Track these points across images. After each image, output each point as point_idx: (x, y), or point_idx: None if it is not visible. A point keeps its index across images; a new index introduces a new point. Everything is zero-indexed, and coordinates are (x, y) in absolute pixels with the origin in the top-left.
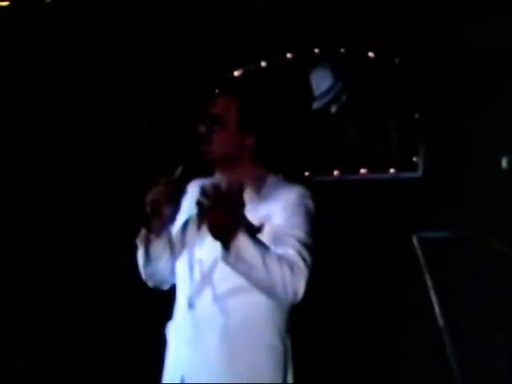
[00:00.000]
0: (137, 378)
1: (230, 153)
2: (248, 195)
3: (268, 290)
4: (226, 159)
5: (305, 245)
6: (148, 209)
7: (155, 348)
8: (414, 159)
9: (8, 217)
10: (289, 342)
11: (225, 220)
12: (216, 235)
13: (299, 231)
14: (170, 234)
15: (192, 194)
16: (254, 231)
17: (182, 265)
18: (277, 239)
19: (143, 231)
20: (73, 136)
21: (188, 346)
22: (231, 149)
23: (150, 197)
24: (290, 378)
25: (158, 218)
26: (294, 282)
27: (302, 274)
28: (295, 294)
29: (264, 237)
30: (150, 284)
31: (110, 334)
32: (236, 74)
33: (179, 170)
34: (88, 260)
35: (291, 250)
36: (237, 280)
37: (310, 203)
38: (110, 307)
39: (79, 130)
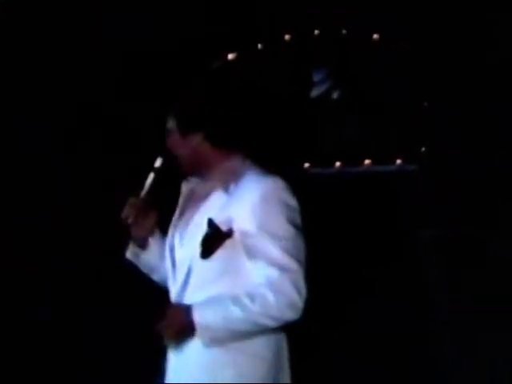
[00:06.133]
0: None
1: (187, 157)
2: (218, 195)
3: (262, 328)
4: (189, 165)
5: (282, 257)
6: (124, 224)
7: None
8: (422, 150)
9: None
10: (283, 349)
11: (181, 329)
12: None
13: (273, 243)
14: (162, 243)
15: (183, 194)
16: (222, 237)
17: (167, 265)
18: (251, 255)
19: (130, 245)
20: (64, 132)
21: (173, 353)
22: (185, 153)
23: (124, 213)
24: None
25: (138, 231)
26: (280, 306)
27: (286, 291)
28: (288, 312)
29: (236, 242)
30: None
31: (110, 335)
32: (230, 56)
33: (150, 178)
34: (87, 259)
35: (261, 279)
36: (216, 287)
37: (284, 195)
38: (109, 307)
39: (70, 126)
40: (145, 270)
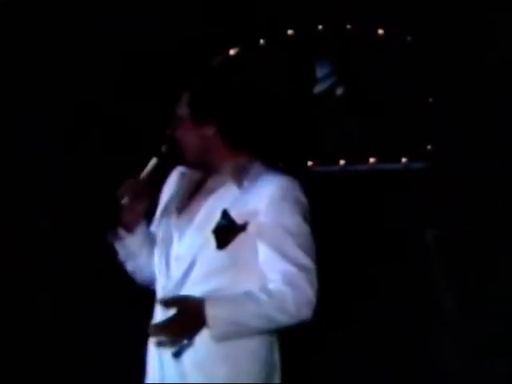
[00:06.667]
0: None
1: (194, 147)
2: (229, 189)
3: (275, 326)
4: (195, 156)
5: (299, 254)
6: (119, 203)
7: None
8: (428, 147)
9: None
10: (276, 349)
11: (193, 324)
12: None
13: (291, 239)
14: (148, 231)
15: (172, 183)
16: (236, 229)
17: (158, 260)
18: (266, 244)
19: (117, 229)
20: (64, 132)
21: (163, 350)
22: (193, 143)
23: (120, 191)
24: None
25: (129, 214)
26: (298, 303)
27: (305, 289)
28: (304, 309)
29: (248, 236)
30: (137, 280)
31: (110, 335)
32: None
33: (153, 162)
34: (87, 259)
35: (278, 275)
36: (217, 281)
37: (298, 194)
38: (109, 307)
39: (70, 126)
40: (123, 257)
